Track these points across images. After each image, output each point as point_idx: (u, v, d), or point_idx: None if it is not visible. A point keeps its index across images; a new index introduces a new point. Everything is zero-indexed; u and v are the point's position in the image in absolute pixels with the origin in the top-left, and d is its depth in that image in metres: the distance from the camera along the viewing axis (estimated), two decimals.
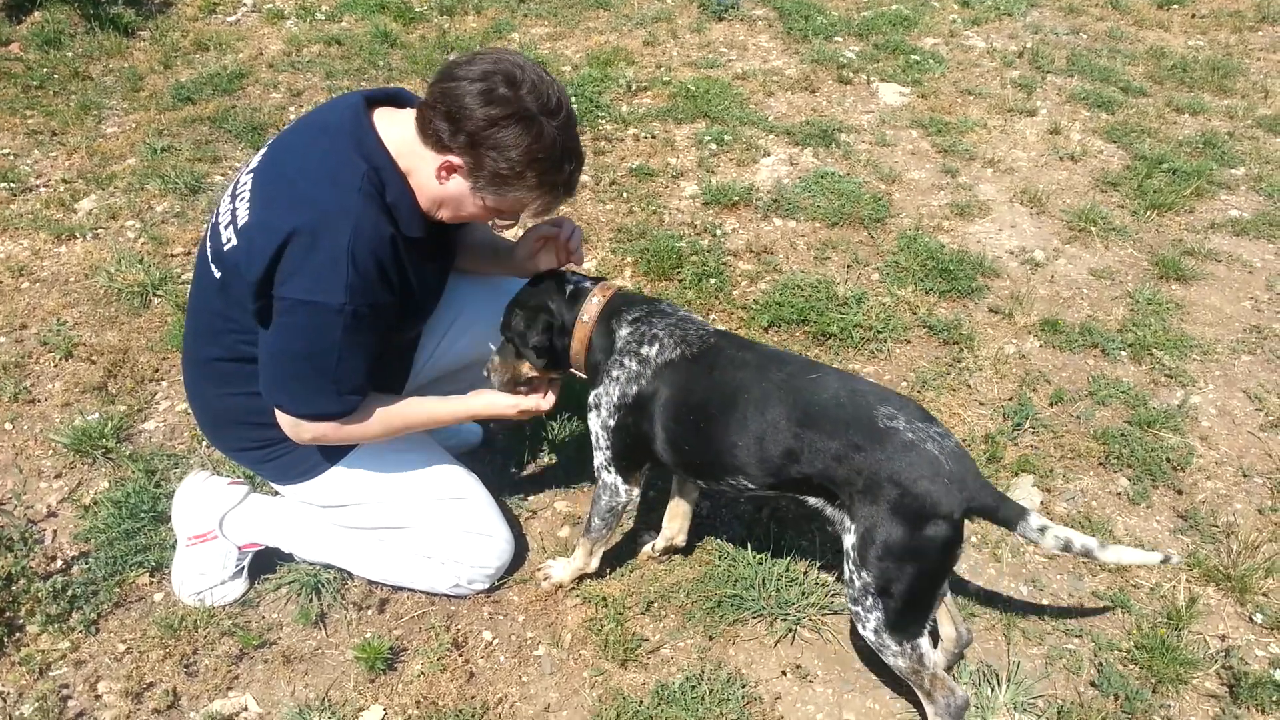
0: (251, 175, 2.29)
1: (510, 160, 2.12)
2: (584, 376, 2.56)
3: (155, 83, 5.42)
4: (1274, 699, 2.51)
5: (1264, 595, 2.84)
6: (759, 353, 2.42)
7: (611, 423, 2.45)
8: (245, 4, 6.52)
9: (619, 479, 2.53)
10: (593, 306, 2.47)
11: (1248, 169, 5.20)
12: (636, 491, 2.60)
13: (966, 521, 2.20)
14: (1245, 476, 3.27)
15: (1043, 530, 2.15)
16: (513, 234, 2.87)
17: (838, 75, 5.95)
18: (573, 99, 5.13)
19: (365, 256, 2.12)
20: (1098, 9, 7.31)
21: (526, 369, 2.54)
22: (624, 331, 2.43)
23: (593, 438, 2.54)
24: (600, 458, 2.54)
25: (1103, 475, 3.24)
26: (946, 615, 2.48)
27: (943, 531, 2.11)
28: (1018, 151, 5.24)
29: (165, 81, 5.42)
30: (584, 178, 4.66)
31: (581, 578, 2.74)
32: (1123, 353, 3.79)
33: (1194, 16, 7.31)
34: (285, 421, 2.31)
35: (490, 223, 2.41)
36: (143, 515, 2.82)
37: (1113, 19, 7.16)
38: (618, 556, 2.84)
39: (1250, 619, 2.78)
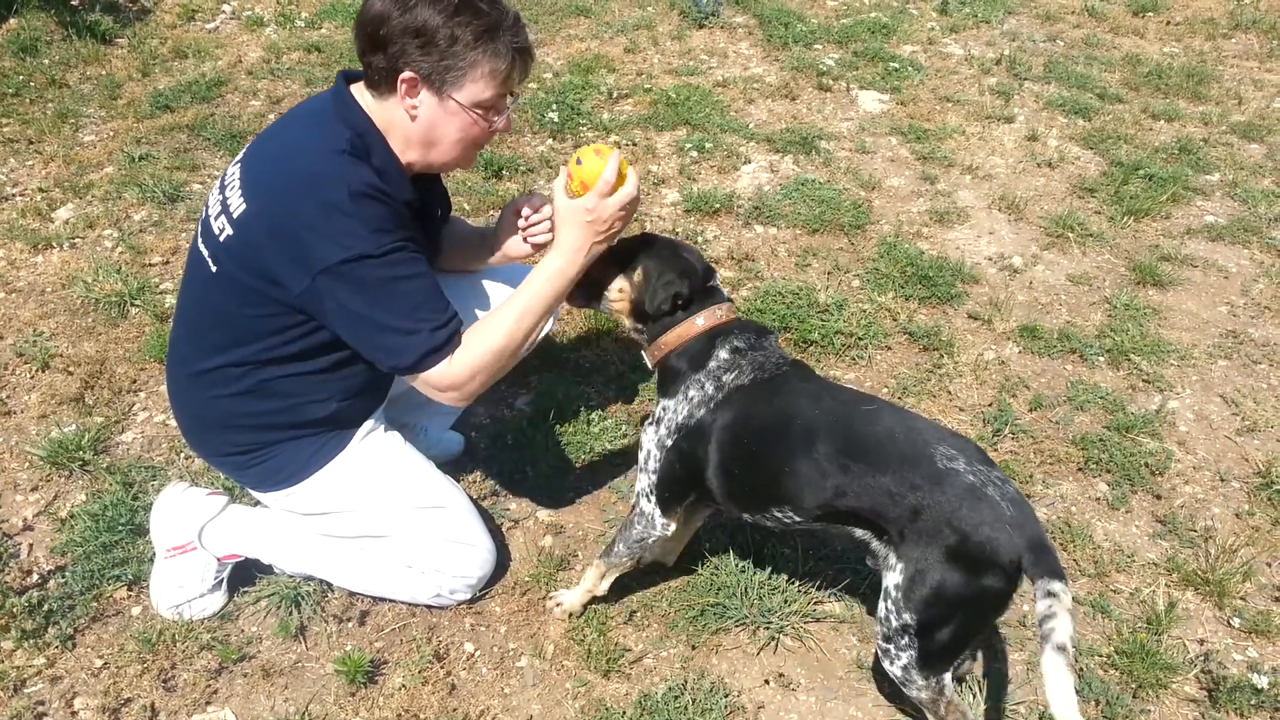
0: (239, 165, 2.30)
1: (438, 28, 2.12)
2: (649, 366, 2.50)
3: (133, 90, 5.38)
4: (1252, 703, 2.53)
5: (1242, 599, 2.86)
6: (818, 383, 2.40)
7: (669, 442, 2.37)
8: (224, 11, 6.49)
9: (657, 510, 2.43)
10: (713, 314, 2.38)
11: (1223, 175, 5.26)
12: (673, 527, 2.47)
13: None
14: (1223, 481, 3.30)
15: (1049, 595, 1.94)
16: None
17: (817, 82, 5.97)
18: (554, 107, 5.19)
19: (370, 204, 2.13)
20: (1074, 16, 7.38)
21: (613, 284, 2.43)
22: (722, 354, 2.35)
23: (642, 455, 2.44)
24: (644, 481, 2.44)
25: (1082, 480, 3.26)
26: None
27: (999, 582, 2.02)
28: (996, 158, 5.28)
29: (143, 89, 5.39)
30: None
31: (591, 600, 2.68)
32: (1101, 358, 3.82)
33: (1169, 24, 7.40)
34: (425, 388, 2.25)
35: (490, 128, 2.32)
36: (120, 528, 2.79)
37: (1089, 26, 7.23)
38: None
39: (1228, 623, 2.80)
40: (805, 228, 4.50)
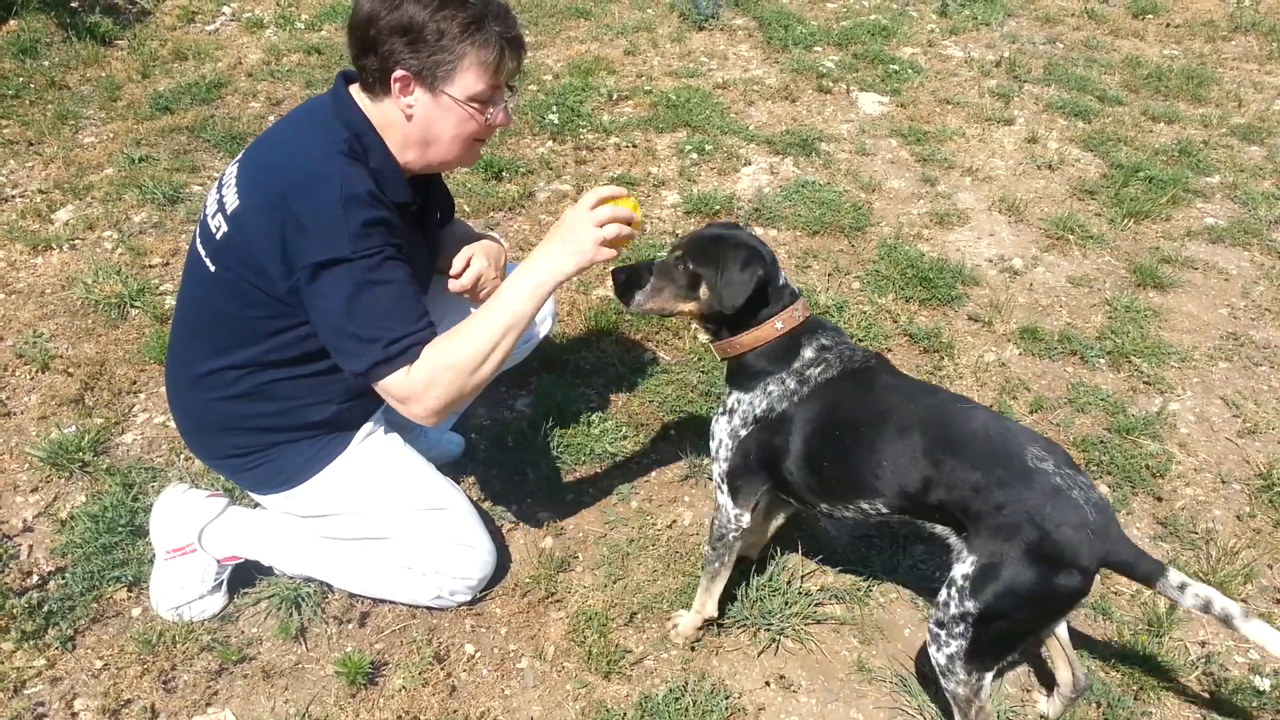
0: (237, 164, 2.30)
1: (424, 24, 2.13)
2: (719, 358, 2.48)
3: (133, 92, 5.38)
4: (1254, 705, 2.53)
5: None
6: (911, 380, 2.43)
7: (742, 433, 2.39)
8: (224, 13, 6.50)
9: (729, 500, 2.45)
10: (794, 315, 2.37)
11: (1223, 177, 5.26)
12: (746, 517, 2.46)
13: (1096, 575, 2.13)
14: (1223, 483, 3.29)
15: (1182, 588, 2.07)
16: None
17: (817, 85, 5.98)
18: (554, 109, 5.19)
19: (360, 207, 2.11)
20: (1074, 19, 7.39)
21: (680, 307, 2.37)
22: (808, 353, 2.36)
23: (714, 444, 2.46)
24: (716, 470, 2.46)
25: None
26: (1064, 660, 2.43)
27: (1074, 582, 2.04)
28: (996, 160, 5.28)
29: (143, 91, 5.39)
30: (565, 187, 4.68)
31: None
32: (1101, 360, 3.82)
33: (1169, 26, 7.41)
34: (384, 394, 2.20)
35: (486, 122, 2.30)
36: (120, 529, 2.79)
37: (1089, 28, 7.24)
38: (602, 567, 2.83)
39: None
40: (806, 229, 4.49)
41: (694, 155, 5.06)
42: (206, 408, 2.43)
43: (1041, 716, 2.51)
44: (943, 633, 2.17)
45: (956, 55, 6.58)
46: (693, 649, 2.62)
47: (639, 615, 2.70)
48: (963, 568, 2.14)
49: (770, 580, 2.77)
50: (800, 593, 2.77)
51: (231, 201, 2.22)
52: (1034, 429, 3.35)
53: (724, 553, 2.52)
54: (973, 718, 2.24)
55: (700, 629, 2.63)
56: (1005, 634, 2.14)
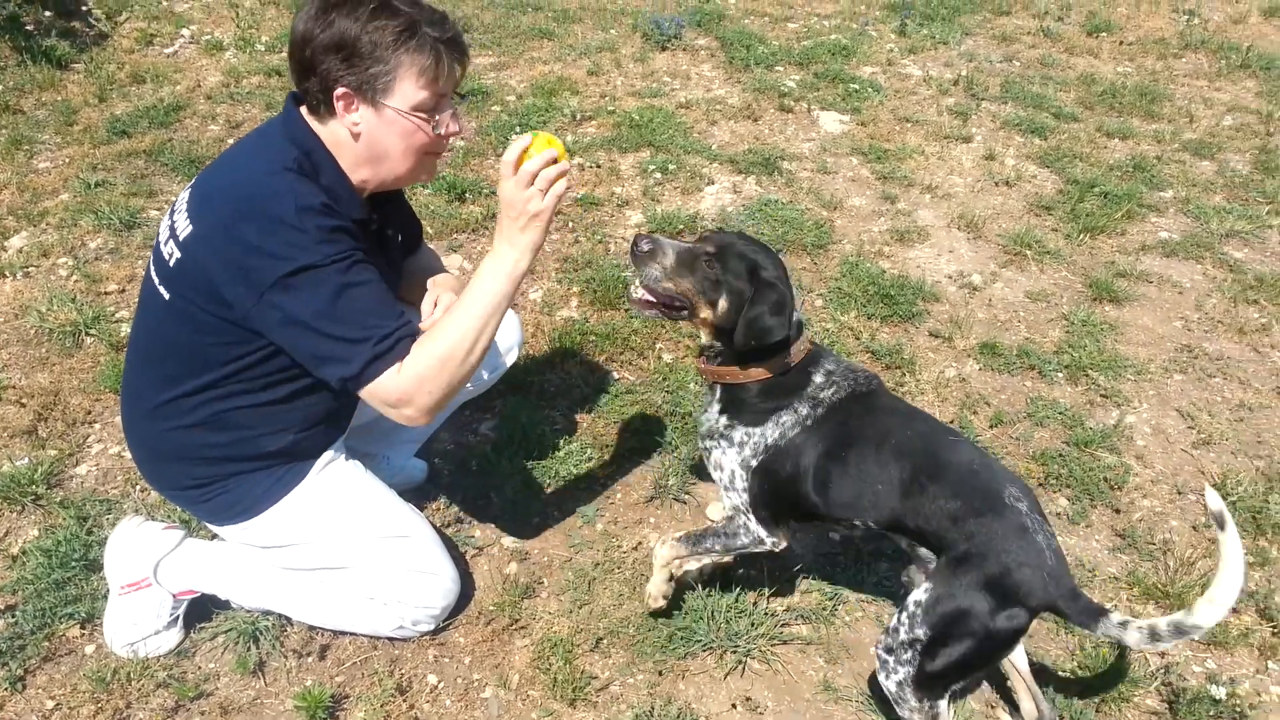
0: (189, 190, 2.28)
1: (357, 37, 2.10)
2: (708, 381, 2.50)
3: (89, 116, 5.32)
4: (1211, 713, 2.56)
5: None
6: (906, 405, 2.53)
7: (754, 462, 2.40)
8: (183, 35, 6.45)
9: (761, 530, 2.45)
10: (800, 347, 2.41)
11: (1176, 192, 5.36)
12: (784, 544, 2.49)
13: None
14: (1180, 494, 3.34)
15: (1124, 625, 2.06)
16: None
17: (779, 104, 6.03)
18: (518, 129, 5.20)
19: (317, 216, 2.09)
20: (1030, 37, 7.52)
21: (702, 312, 2.35)
22: (818, 379, 2.41)
23: (721, 475, 2.47)
24: (735, 500, 2.46)
25: (1042, 496, 3.29)
26: (1026, 692, 2.47)
27: (1020, 621, 2.10)
28: (954, 177, 5.35)
29: (100, 115, 5.33)
30: None
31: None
32: (1059, 374, 3.87)
33: (1122, 44, 7.56)
34: (370, 399, 2.16)
35: (444, 133, 2.27)
36: (74, 564, 2.73)
37: (1044, 47, 7.37)
38: (568, 592, 2.82)
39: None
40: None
41: (657, 175, 5.08)
42: (162, 437, 2.40)
43: None
44: (891, 659, 2.21)
45: (915, 74, 6.67)
46: (660, 674, 2.60)
47: (605, 640, 2.68)
48: (918, 594, 2.18)
49: (737, 601, 2.77)
50: (766, 613, 2.77)
51: (184, 228, 2.19)
52: (994, 448, 3.41)
53: (730, 558, 2.57)
54: None
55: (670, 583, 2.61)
56: (953, 664, 2.15)
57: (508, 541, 2.99)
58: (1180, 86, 6.87)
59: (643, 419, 3.46)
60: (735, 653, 2.66)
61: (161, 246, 2.26)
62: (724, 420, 2.48)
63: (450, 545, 2.79)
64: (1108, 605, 2.18)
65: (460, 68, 2.27)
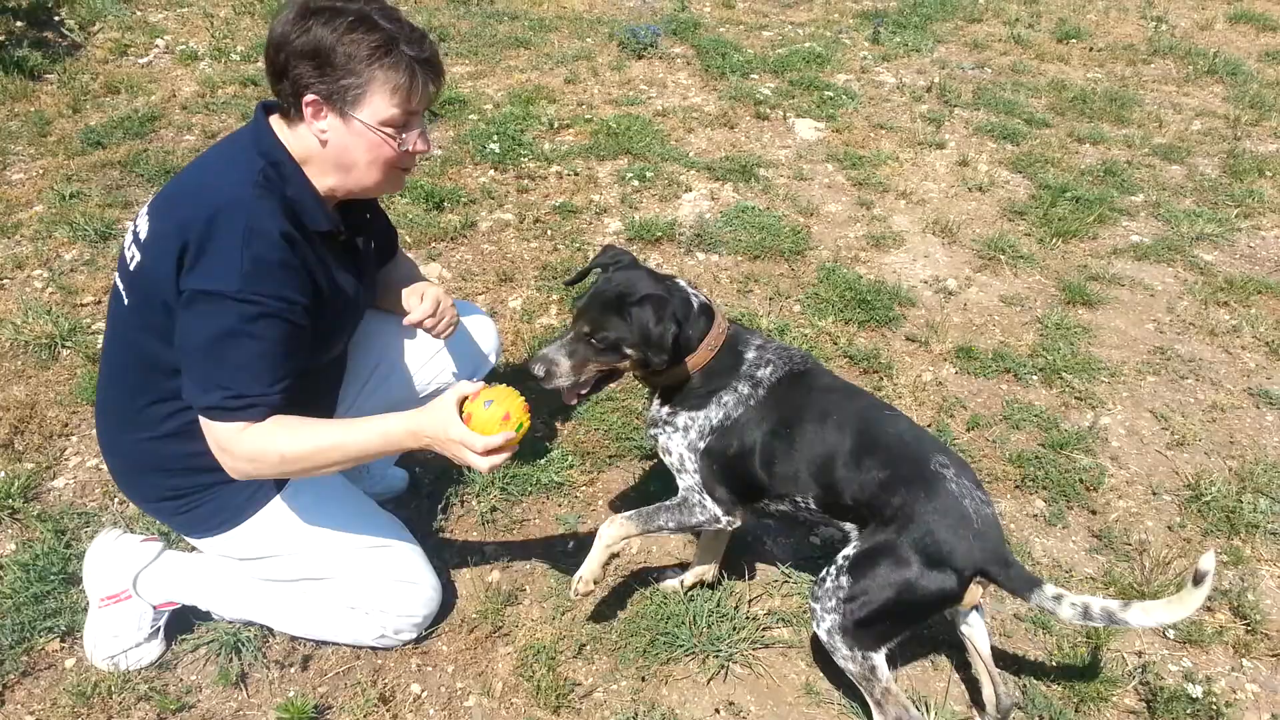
0: (155, 195, 2.27)
1: (332, 47, 2.08)
2: (650, 387, 2.56)
3: (64, 127, 5.28)
4: (1188, 711, 2.60)
5: None
6: (844, 383, 2.62)
7: (702, 444, 2.47)
8: (158, 45, 6.42)
9: (717, 509, 2.50)
10: (720, 331, 2.47)
11: (1146, 195, 5.44)
12: (738, 523, 2.55)
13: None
14: (1155, 495, 3.39)
15: (1058, 599, 2.16)
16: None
17: (755, 111, 6.07)
18: (495, 138, 5.20)
19: (262, 246, 2.07)
20: (1001, 44, 7.61)
21: (621, 366, 2.43)
22: (750, 355, 2.49)
23: (671, 460, 2.53)
24: (688, 481, 2.52)
25: (1020, 498, 3.33)
26: (986, 677, 2.51)
27: (947, 582, 2.20)
28: (929, 183, 5.40)
29: (74, 126, 5.29)
30: (507, 216, 4.69)
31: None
32: (1034, 377, 3.92)
33: (1091, 50, 7.66)
34: (209, 431, 2.14)
35: (411, 150, 2.26)
36: (52, 578, 2.71)
37: (1015, 54, 7.46)
38: (550, 599, 2.82)
39: (1164, 634, 2.87)
40: (746, 254, 4.55)
41: (635, 182, 5.10)
42: (137, 448, 2.38)
43: None
44: (817, 606, 2.33)
45: (889, 81, 6.73)
46: (643, 680, 2.61)
47: (588, 647, 2.69)
48: (850, 550, 2.31)
49: (718, 606, 2.78)
50: (748, 617, 2.78)
51: (144, 229, 2.19)
52: (954, 446, 3.44)
53: (682, 534, 2.61)
54: (878, 696, 2.34)
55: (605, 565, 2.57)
56: (874, 612, 2.25)
57: (489, 549, 2.99)
58: (1149, 92, 6.97)
59: (623, 426, 3.48)
60: (717, 657, 2.67)
61: (125, 251, 2.25)
62: (665, 410, 2.54)
63: (431, 553, 2.78)
64: (1043, 577, 2.29)
65: (434, 87, 2.25)
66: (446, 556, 2.93)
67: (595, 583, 2.53)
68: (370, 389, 2.75)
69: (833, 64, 6.89)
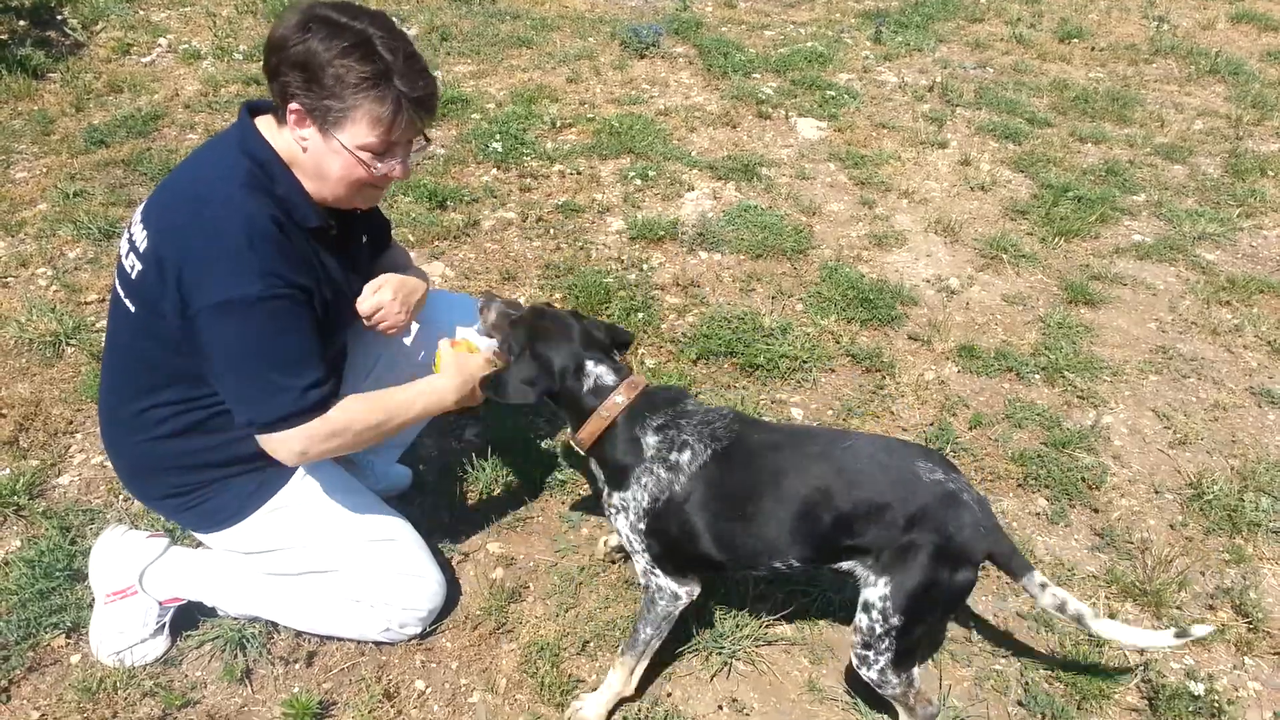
0: (146, 200, 2.28)
1: (324, 65, 2.07)
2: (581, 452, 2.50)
3: (67, 126, 5.29)
4: (1190, 709, 2.60)
5: (1178, 609, 2.94)
6: (785, 432, 2.49)
7: (643, 526, 2.36)
8: (160, 45, 6.43)
9: (670, 582, 2.40)
10: (615, 405, 2.36)
11: (1148, 195, 5.45)
12: (697, 589, 2.44)
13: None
14: (1157, 493, 3.39)
15: (1043, 587, 2.28)
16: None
17: (757, 110, 6.08)
18: (498, 137, 5.20)
19: (266, 242, 2.09)
20: (1003, 43, 7.61)
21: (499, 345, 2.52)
22: (651, 439, 2.34)
23: (624, 541, 2.44)
24: (641, 562, 2.42)
25: (1022, 496, 3.33)
26: None
27: (970, 576, 2.24)
28: (931, 182, 5.41)
29: (77, 124, 5.30)
30: (510, 214, 4.69)
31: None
32: (1036, 376, 3.92)
33: (1093, 49, 7.66)
34: (265, 443, 2.21)
35: (376, 174, 2.24)
36: (58, 574, 2.72)
37: (1017, 53, 7.46)
38: (554, 596, 2.83)
39: None
40: (749, 253, 4.56)
41: (637, 181, 5.10)
42: (141, 448, 2.39)
43: None
44: (870, 654, 2.28)
45: (891, 81, 6.74)
46: (651, 678, 2.62)
47: (591, 644, 2.70)
48: (878, 589, 2.24)
49: (721, 603, 2.79)
50: (751, 615, 2.79)
51: (141, 239, 2.19)
52: (956, 445, 3.44)
53: (665, 631, 2.47)
54: (913, 702, 2.36)
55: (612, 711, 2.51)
56: (923, 633, 2.30)
57: (493, 547, 3.00)
58: (1151, 92, 6.98)
59: None
60: (721, 654, 2.68)
61: (124, 259, 2.26)
62: (605, 488, 2.47)
63: (435, 550, 2.80)
64: (1034, 567, 2.34)
65: (422, 124, 2.24)
66: (450, 553, 2.95)
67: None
68: (371, 384, 2.76)
69: (835, 63, 6.90)
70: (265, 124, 2.24)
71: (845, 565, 2.33)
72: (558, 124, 5.66)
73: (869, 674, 2.30)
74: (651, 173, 5.17)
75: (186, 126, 5.37)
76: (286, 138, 2.21)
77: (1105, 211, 5.14)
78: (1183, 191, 5.54)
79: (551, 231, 4.63)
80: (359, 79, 2.08)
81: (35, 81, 5.72)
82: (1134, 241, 4.97)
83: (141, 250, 2.18)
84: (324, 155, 2.19)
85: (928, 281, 4.52)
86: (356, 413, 2.27)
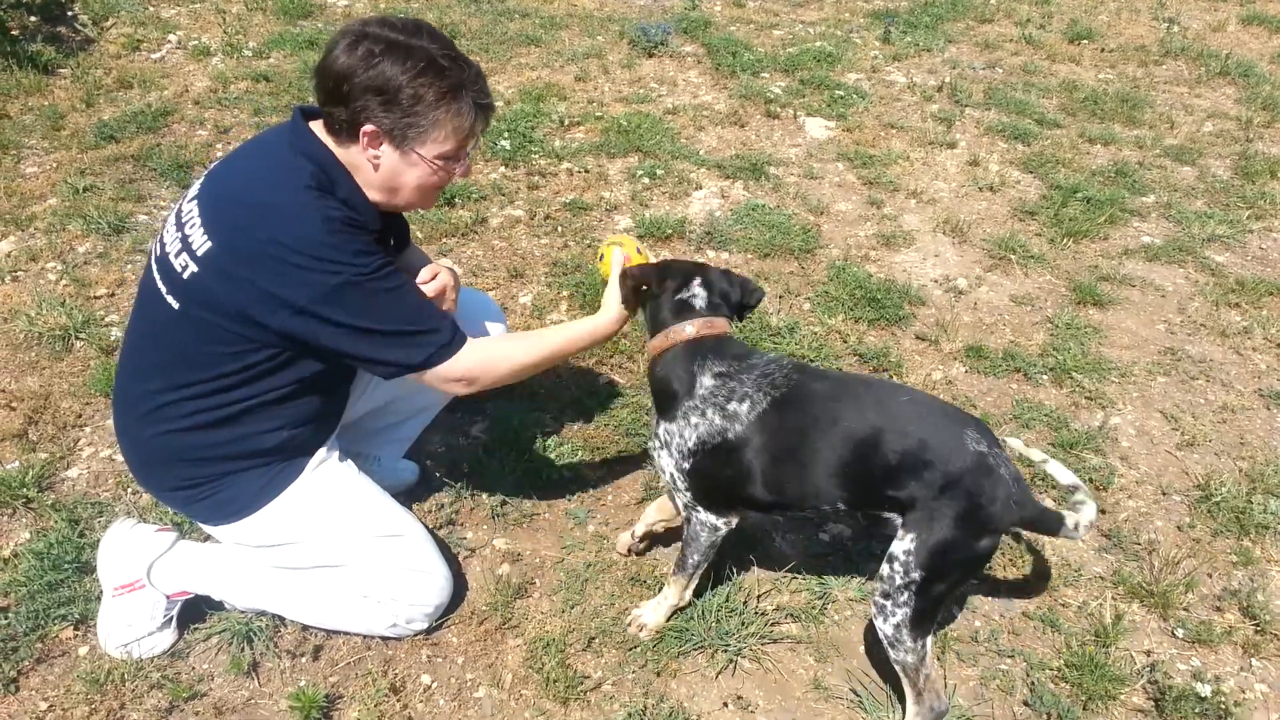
0: (195, 202, 2.28)
1: (401, 87, 2.16)
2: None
3: (77, 121, 5.31)
4: (1196, 711, 2.59)
5: (1185, 610, 2.94)
6: (843, 378, 2.67)
7: (686, 465, 2.47)
8: (170, 41, 6.44)
9: (712, 516, 2.54)
10: (682, 333, 2.49)
11: (1158, 197, 5.43)
12: (735, 520, 2.58)
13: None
14: (1164, 495, 3.39)
15: (1075, 526, 2.42)
16: None
17: (765, 110, 6.07)
18: (506, 135, 5.21)
19: (345, 228, 2.19)
20: (1012, 44, 7.60)
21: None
22: (706, 381, 2.44)
23: (667, 477, 2.56)
24: (684, 498, 2.55)
25: None
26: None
27: (991, 544, 2.34)
28: (939, 183, 5.40)
29: (87, 120, 5.31)
30: (518, 212, 4.70)
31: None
32: (1044, 376, 3.91)
33: (1103, 50, 7.64)
34: (432, 379, 2.35)
35: (450, 176, 2.39)
36: (66, 566, 2.73)
37: (1027, 54, 7.44)
38: (560, 592, 2.84)
39: (1173, 633, 2.87)
40: (756, 252, 4.56)
41: (645, 180, 5.11)
42: (159, 440, 2.40)
43: None
44: (889, 603, 2.33)
45: (900, 81, 6.73)
46: (657, 674, 2.62)
47: (597, 640, 2.70)
48: (903, 544, 2.31)
49: (727, 601, 2.79)
50: (756, 612, 2.79)
51: (200, 242, 2.20)
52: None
53: (711, 556, 2.62)
54: (922, 685, 2.38)
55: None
56: (941, 596, 2.35)
57: (499, 543, 3.00)
58: (1161, 93, 6.96)
59: (633, 421, 3.49)
60: (726, 651, 2.68)
61: (171, 259, 2.25)
62: (655, 417, 2.58)
63: (442, 546, 2.80)
64: (1062, 510, 2.46)
65: (485, 126, 2.37)
66: (457, 549, 2.95)
67: (658, 631, 2.71)
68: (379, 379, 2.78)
69: (843, 63, 6.89)
70: (319, 132, 2.29)
71: (881, 515, 2.42)
72: (566, 122, 5.67)
73: (884, 627, 2.35)
74: (659, 171, 5.17)
75: (196, 123, 5.38)
76: (352, 154, 2.28)
77: (1114, 213, 5.13)
78: (1192, 193, 5.52)
79: (559, 229, 4.63)
80: (438, 95, 2.19)
81: (46, 77, 5.74)
82: (1143, 243, 4.96)
83: (200, 254, 2.19)
84: (400, 170, 2.28)
85: (936, 281, 4.51)
86: (518, 340, 2.53)
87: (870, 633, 2.77)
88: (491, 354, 2.43)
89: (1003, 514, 2.28)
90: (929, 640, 2.39)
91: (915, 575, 2.29)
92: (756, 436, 2.40)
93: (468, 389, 2.41)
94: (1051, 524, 2.41)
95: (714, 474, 2.45)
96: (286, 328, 2.19)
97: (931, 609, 2.35)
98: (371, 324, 2.22)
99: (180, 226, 2.26)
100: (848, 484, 2.38)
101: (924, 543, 2.28)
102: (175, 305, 2.25)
